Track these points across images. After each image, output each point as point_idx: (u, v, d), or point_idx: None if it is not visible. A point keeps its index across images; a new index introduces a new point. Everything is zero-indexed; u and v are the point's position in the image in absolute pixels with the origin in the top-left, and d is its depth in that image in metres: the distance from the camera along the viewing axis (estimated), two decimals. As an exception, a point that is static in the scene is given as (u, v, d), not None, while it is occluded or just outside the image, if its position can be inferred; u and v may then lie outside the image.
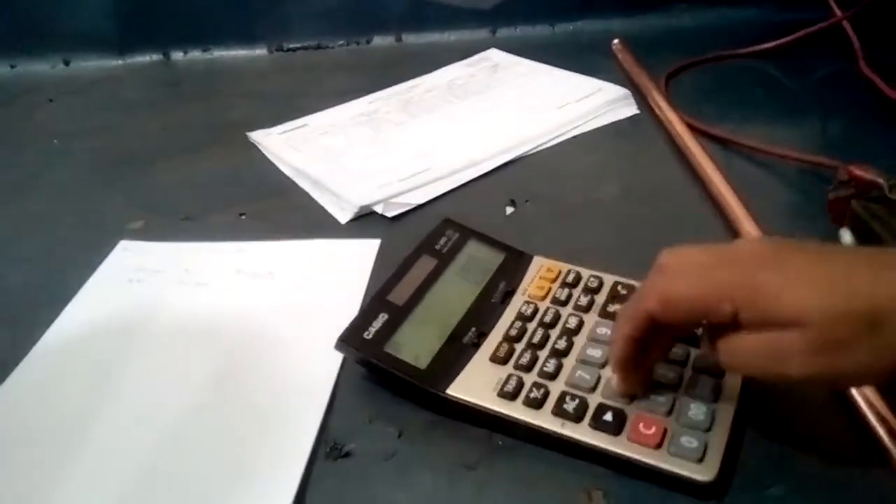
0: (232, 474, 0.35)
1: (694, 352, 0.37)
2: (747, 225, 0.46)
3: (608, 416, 0.33)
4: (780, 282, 0.29)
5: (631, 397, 0.34)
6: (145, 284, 0.48)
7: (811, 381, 0.30)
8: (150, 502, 0.34)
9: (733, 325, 0.30)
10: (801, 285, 0.28)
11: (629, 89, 0.67)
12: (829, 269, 0.29)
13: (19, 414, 0.39)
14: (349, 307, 0.42)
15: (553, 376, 0.36)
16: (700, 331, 0.37)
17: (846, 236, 0.45)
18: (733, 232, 0.47)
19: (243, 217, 0.55)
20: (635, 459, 0.32)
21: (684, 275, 0.32)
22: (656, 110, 0.63)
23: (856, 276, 0.29)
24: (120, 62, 0.87)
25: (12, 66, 0.87)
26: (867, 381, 0.33)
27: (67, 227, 0.56)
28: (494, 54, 0.79)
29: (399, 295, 0.40)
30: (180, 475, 0.35)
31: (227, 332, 0.44)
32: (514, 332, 0.39)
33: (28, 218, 0.57)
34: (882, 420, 0.33)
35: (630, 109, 0.65)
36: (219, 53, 0.87)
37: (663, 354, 0.35)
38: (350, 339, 0.38)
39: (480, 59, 0.78)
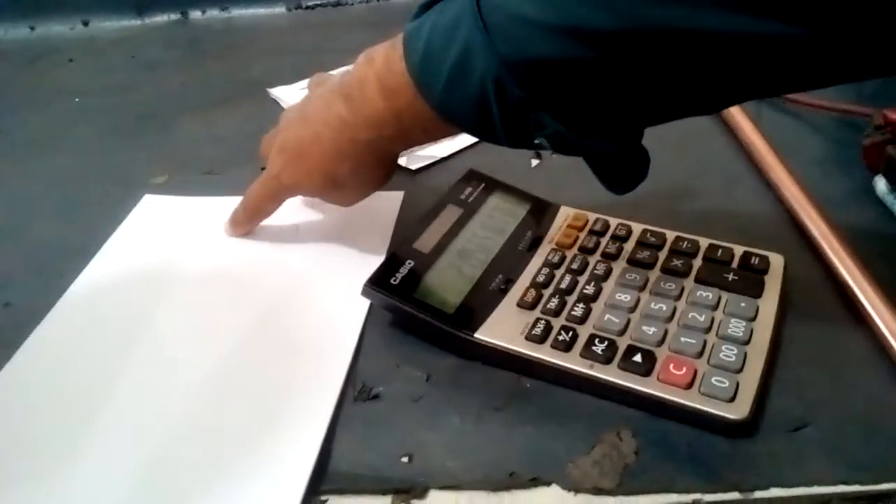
0: (264, 417, 0.35)
1: (725, 296, 0.36)
2: (780, 173, 0.45)
3: (637, 358, 0.33)
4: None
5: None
6: (170, 236, 0.48)
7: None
8: (184, 446, 0.34)
9: None
10: None
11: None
12: None
13: (47, 365, 0.39)
14: (374, 258, 0.42)
15: (581, 320, 0.36)
16: (731, 276, 0.37)
17: (881, 184, 0.44)
18: (765, 181, 0.47)
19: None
20: (665, 399, 0.32)
21: None
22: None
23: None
24: (138, 22, 0.87)
25: (32, 28, 0.87)
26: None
27: (91, 183, 0.56)
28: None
29: (425, 243, 0.40)
30: (214, 419, 0.35)
31: (253, 281, 0.44)
32: (541, 279, 0.38)
33: (52, 174, 0.57)
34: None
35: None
36: (237, 12, 0.86)
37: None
38: (377, 285, 0.37)
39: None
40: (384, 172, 0.44)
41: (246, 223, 0.47)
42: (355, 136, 0.39)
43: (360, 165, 0.41)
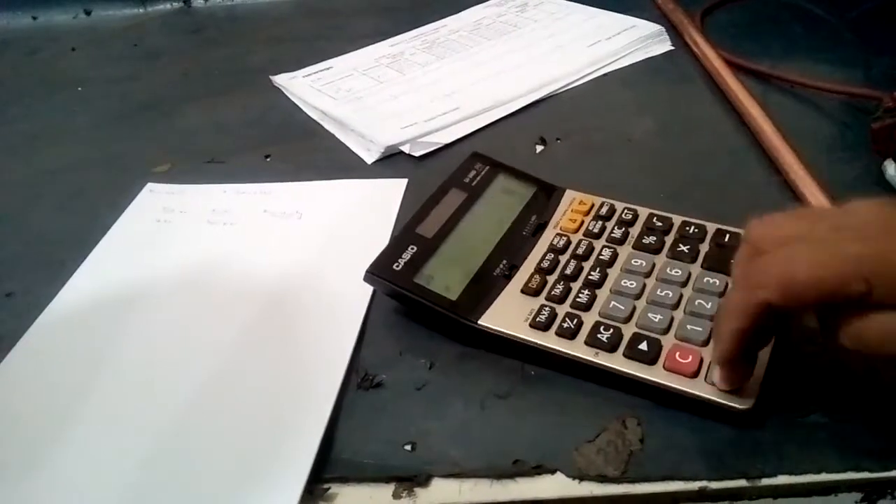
0: (267, 405, 0.35)
1: (733, 282, 0.36)
2: (787, 157, 0.45)
3: (643, 346, 0.33)
4: None
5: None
6: (173, 224, 0.48)
7: None
8: (187, 434, 0.34)
9: (860, 303, 0.26)
10: None
11: (663, 26, 0.65)
12: None
13: (49, 356, 0.39)
14: (377, 244, 0.41)
15: (586, 307, 0.35)
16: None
17: (890, 168, 0.43)
18: (772, 165, 0.46)
19: (269, 159, 0.55)
20: (671, 387, 0.31)
21: (802, 253, 0.27)
22: (692, 46, 0.61)
23: None
24: (141, 10, 0.86)
25: (34, 18, 0.87)
26: None
27: (94, 172, 0.56)
28: (522, -6, 0.77)
29: (428, 228, 0.39)
30: (216, 407, 0.35)
31: (257, 268, 0.43)
32: (545, 264, 0.38)
33: (55, 163, 0.57)
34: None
35: (664, 46, 0.63)
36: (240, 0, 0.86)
37: (766, 343, 0.31)
38: (379, 271, 0.37)
39: (507, -1, 0.76)
40: None
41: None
42: None
43: None
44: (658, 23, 0.65)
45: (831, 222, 0.28)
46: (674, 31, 0.65)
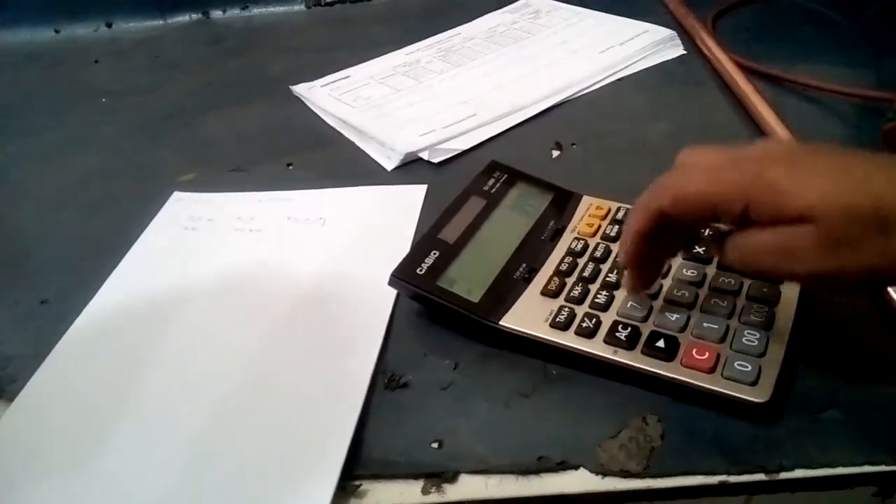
0: (298, 406, 0.36)
1: (747, 282, 0.37)
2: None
3: (661, 343, 0.34)
4: (792, 177, 0.28)
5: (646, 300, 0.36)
6: (200, 232, 0.50)
7: (818, 279, 0.30)
8: (221, 435, 0.35)
9: (742, 223, 0.30)
10: (814, 181, 0.28)
11: (675, 31, 0.66)
12: (843, 167, 0.28)
13: (85, 361, 0.40)
14: (399, 250, 0.42)
15: (605, 307, 0.36)
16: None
17: (903, 169, 0.44)
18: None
19: (291, 167, 0.56)
20: (688, 383, 0.32)
21: (697, 173, 0.31)
22: (704, 50, 0.62)
23: (870, 176, 0.28)
24: (161, 22, 0.88)
25: (56, 31, 0.88)
26: (872, 281, 0.32)
27: (120, 181, 0.57)
28: (535, 0, 0.78)
29: (450, 234, 0.41)
30: (249, 409, 0.36)
31: (283, 274, 0.45)
32: (564, 267, 0.39)
33: (82, 173, 0.59)
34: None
35: (676, 50, 0.64)
36: (257, 10, 0.87)
37: (672, 255, 0.37)
38: (403, 275, 0.38)
39: (521, 5, 0.77)
40: None
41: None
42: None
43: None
44: (670, 27, 0.66)
45: (739, 154, 0.31)
46: (686, 36, 0.66)
